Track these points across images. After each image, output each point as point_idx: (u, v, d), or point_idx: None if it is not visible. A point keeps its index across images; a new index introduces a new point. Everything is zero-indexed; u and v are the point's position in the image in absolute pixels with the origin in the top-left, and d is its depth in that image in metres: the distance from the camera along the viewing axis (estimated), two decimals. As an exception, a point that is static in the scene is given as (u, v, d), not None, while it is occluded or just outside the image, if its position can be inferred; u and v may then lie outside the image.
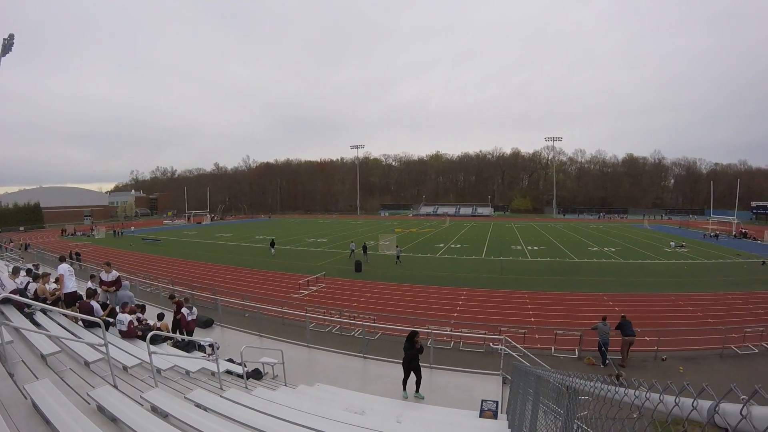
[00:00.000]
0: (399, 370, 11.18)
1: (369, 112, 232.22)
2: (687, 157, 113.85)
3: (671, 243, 43.07)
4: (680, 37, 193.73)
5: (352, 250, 36.77)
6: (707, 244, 44.76)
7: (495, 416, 7.64)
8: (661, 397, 1.39)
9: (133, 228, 71.13)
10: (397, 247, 35.58)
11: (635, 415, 1.63)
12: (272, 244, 40.13)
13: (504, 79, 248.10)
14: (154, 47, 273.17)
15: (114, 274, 11.53)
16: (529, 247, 42.42)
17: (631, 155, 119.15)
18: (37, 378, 4.57)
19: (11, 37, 29.64)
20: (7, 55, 27.56)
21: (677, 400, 1.30)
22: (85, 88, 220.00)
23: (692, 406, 1.21)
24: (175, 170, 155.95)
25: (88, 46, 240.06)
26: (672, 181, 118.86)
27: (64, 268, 9.82)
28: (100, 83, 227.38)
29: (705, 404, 1.17)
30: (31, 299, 8.09)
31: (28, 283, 9.36)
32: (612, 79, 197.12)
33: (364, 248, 35.49)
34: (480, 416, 7.69)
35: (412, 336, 9.62)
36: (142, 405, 4.59)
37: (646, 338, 14.70)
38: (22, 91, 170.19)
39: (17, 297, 6.46)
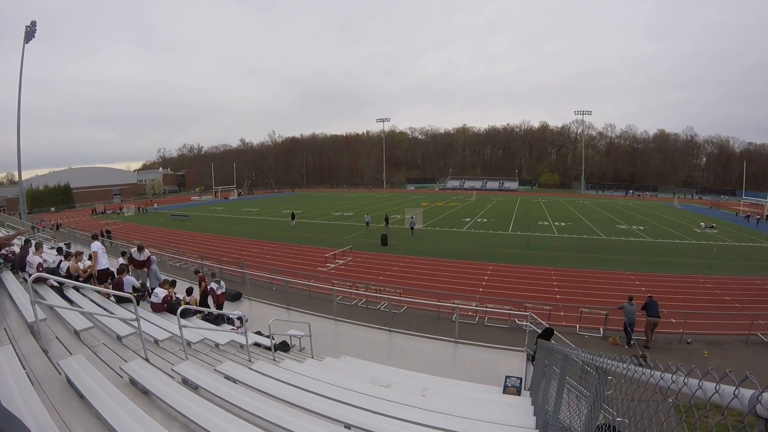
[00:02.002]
0: (424, 344, 11.29)
1: (394, 85, 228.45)
2: (720, 135, 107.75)
3: (701, 223, 41.52)
4: (714, 8, 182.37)
5: (368, 223, 37.86)
6: (738, 226, 42.62)
7: (518, 393, 7.66)
8: (700, 383, 1.35)
9: (156, 205, 73.13)
10: (411, 218, 35.87)
11: (670, 400, 1.59)
12: (293, 217, 42.32)
13: (531, 50, 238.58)
14: (174, 26, 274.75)
15: (146, 253, 11.88)
16: (557, 223, 41.83)
17: (663, 131, 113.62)
18: (71, 353, 4.70)
19: (33, 24, 30.17)
20: (30, 41, 28.17)
21: (717, 387, 1.25)
22: (108, 71, 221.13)
23: (734, 394, 1.17)
24: (202, 147, 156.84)
25: (108, 29, 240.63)
26: (704, 159, 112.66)
27: (97, 245, 10.15)
28: (123, 65, 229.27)
29: (746, 393, 1.13)
30: (64, 277, 8.36)
31: (60, 261, 9.67)
32: (642, 51, 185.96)
33: (386, 220, 36.19)
34: (504, 392, 7.72)
35: (550, 334, 9.33)
36: (173, 377, 4.74)
37: (672, 320, 14.38)
38: (45, 77, 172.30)
39: (49, 276, 6.70)
